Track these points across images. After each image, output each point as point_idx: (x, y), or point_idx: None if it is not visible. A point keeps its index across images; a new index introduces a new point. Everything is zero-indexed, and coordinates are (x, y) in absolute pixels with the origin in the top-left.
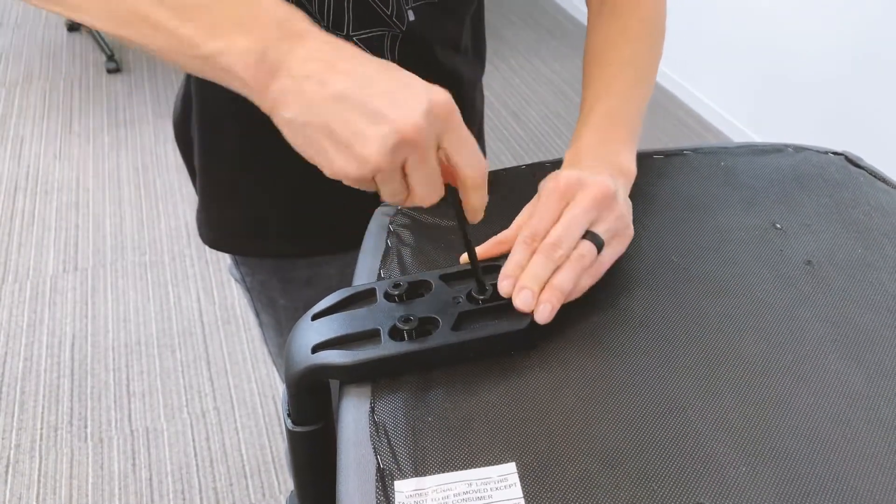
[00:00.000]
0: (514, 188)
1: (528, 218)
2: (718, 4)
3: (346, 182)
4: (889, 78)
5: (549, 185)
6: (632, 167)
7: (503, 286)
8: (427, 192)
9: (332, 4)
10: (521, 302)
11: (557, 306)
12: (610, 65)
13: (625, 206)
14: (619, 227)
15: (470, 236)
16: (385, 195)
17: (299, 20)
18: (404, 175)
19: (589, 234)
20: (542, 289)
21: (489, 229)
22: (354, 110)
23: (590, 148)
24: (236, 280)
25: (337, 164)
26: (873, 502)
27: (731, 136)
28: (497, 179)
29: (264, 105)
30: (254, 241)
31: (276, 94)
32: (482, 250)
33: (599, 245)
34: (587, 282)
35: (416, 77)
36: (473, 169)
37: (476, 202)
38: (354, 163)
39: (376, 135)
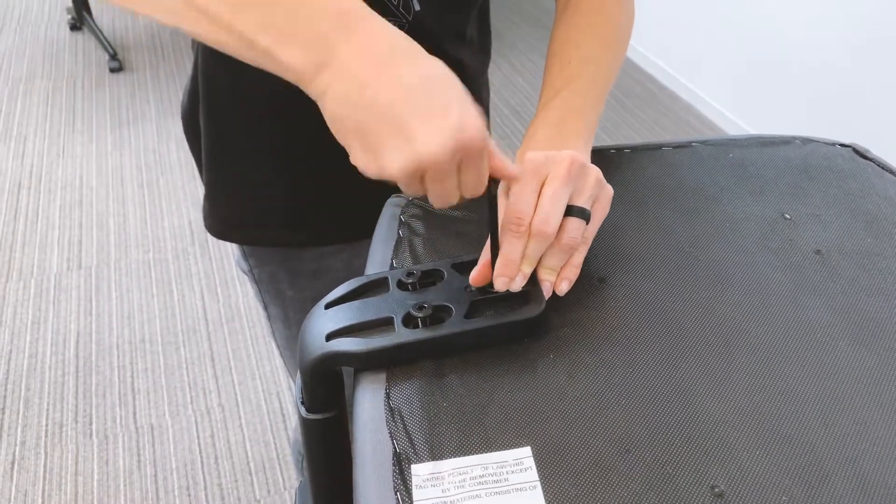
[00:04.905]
0: None
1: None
2: (721, 3)
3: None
4: (891, 74)
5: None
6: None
7: (499, 284)
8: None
9: None
10: (516, 285)
11: (553, 282)
12: (570, 62)
13: (596, 170)
14: (598, 192)
15: (497, 234)
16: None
17: (351, 18)
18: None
19: (576, 210)
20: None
21: None
22: (386, 123)
23: (543, 140)
24: (244, 272)
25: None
26: (884, 486)
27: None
28: None
29: (312, 94)
30: (260, 231)
31: (321, 87)
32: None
33: (587, 218)
34: (579, 258)
35: (453, 93)
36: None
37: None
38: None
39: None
